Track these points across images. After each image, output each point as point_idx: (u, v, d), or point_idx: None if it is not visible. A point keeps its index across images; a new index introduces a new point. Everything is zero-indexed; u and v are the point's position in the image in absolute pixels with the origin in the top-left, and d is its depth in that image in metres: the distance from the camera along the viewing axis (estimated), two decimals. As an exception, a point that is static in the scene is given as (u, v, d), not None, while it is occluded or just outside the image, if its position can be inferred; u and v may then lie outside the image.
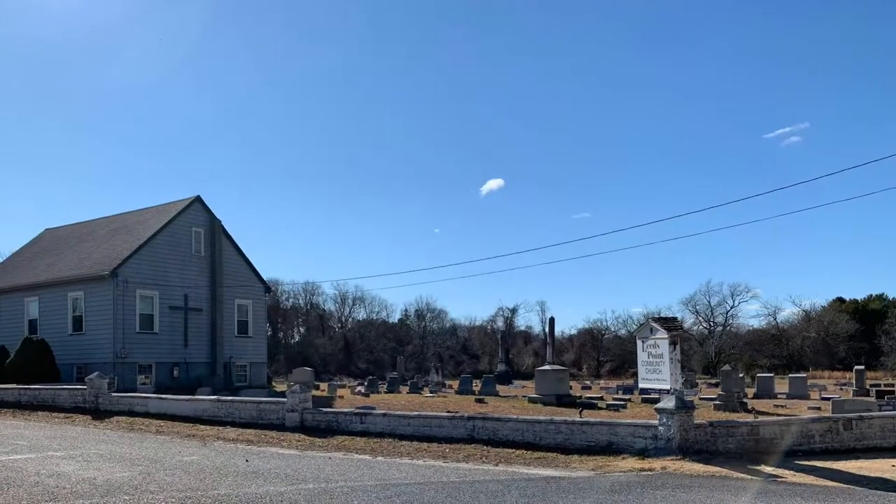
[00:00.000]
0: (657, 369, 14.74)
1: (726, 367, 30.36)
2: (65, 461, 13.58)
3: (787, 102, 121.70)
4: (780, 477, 12.03)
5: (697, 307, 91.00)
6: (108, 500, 9.56)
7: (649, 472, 12.51)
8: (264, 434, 18.78)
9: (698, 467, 12.88)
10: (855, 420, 15.25)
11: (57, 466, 12.84)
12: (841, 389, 42.19)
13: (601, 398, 31.75)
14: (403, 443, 16.71)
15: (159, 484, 10.95)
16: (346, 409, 20.15)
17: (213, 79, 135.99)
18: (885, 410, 20.05)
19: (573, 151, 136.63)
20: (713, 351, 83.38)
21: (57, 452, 14.97)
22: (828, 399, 31.17)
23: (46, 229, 49.88)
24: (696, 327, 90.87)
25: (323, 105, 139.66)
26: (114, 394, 25.92)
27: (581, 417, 16.95)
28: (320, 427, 19.41)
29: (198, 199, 40.55)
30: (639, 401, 29.14)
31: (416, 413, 18.45)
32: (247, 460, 13.99)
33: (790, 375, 41.28)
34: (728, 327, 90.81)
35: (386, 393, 37.12)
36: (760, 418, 17.16)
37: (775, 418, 16.56)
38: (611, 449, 14.94)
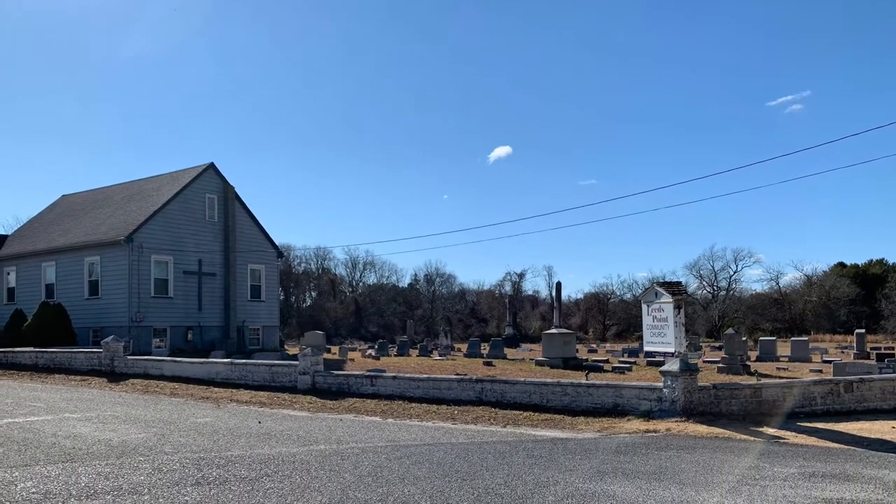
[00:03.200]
0: (662, 333, 14.72)
1: (729, 331, 29.92)
2: (81, 423, 13.91)
3: (789, 71, 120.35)
4: (783, 438, 12.22)
5: (701, 272, 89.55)
6: (124, 461, 9.83)
7: (654, 434, 12.72)
8: (276, 396, 19.09)
9: (702, 429, 13.09)
10: (856, 383, 15.38)
11: (73, 428, 13.16)
12: (842, 353, 42.16)
13: (607, 361, 31.92)
14: (413, 405, 16.97)
15: (174, 445, 11.23)
16: (356, 372, 20.43)
17: (227, 48, 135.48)
18: (885, 373, 20.11)
19: (579, 119, 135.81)
20: (717, 315, 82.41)
21: (73, 414, 15.31)
22: (829, 362, 31.20)
23: (63, 195, 50.18)
24: (700, 292, 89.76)
25: (334, 74, 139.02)
26: (129, 357, 26.32)
27: (587, 380, 17.12)
28: (331, 389, 19.71)
29: (211, 166, 40.69)
30: (644, 364, 29.32)
31: (425, 376, 18.68)
32: (259, 422, 14.28)
33: (792, 339, 41.05)
34: (731, 292, 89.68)
35: (396, 356, 37.46)
36: (763, 381, 17.26)
37: (778, 381, 16.64)
38: (616, 411, 15.14)
